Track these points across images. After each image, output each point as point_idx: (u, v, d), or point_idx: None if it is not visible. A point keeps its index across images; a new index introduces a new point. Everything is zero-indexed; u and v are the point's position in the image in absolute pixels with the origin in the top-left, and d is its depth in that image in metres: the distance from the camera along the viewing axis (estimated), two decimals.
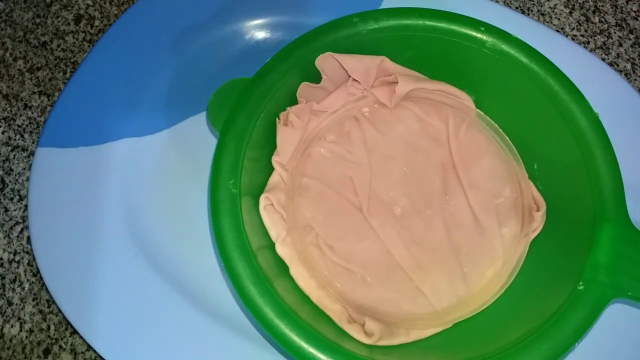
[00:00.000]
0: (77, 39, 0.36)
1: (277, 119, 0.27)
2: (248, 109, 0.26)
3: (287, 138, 0.27)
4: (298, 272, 0.25)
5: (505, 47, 0.27)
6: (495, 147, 0.28)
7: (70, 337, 0.29)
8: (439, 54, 0.28)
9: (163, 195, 0.30)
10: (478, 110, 0.29)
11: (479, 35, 0.27)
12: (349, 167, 0.28)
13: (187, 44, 0.33)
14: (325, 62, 0.27)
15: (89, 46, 0.36)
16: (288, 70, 0.26)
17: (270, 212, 0.26)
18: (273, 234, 0.26)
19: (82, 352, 0.29)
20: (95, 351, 0.27)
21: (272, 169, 0.27)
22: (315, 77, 0.28)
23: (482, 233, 0.27)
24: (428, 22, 0.27)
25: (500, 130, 0.28)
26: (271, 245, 0.25)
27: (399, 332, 0.24)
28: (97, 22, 0.37)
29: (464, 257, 0.26)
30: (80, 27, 0.37)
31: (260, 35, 0.34)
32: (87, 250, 0.28)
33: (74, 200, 0.29)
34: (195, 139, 0.31)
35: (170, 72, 0.33)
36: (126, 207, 0.29)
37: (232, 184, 0.24)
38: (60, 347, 0.29)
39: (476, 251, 0.26)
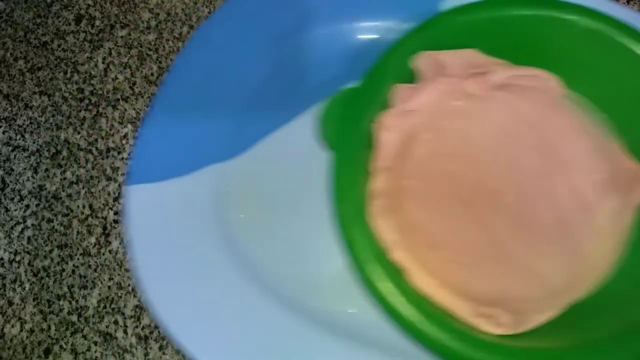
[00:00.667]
0: (77, 39, 0.36)
1: (374, 124, 0.27)
2: (359, 119, 0.26)
3: (385, 142, 0.27)
4: (415, 274, 0.25)
5: (596, 25, 0.27)
6: (589, 126, 0.28)
7: (70, 337, 0.29)
8: (528, 40, 0.28)
9: (260, 217, 0.30)
10: (570, 90, 0.29)
11: (569, 17, 0.27)
12: (448, 163, 0.28)
13: (276, 55, 0.32)
14: (420, 60, 0.28)
15: (89, 46, 0.36)
16: (391, 74, 0.27)
17: (380, 218, 0.26)
18: (385, 239, 0.26)
19: (82, 352, 0.29)
20: None
21: (375, 175, 0.28)
22: (411, 77, 0.28)
23: (586, 209, 0.27)
24: (518, 12, 0.27)
25: (595, 108, 0.28)
26: (385, 252, 0.26)
27: (524, 319, 0.25)
28: (97, 22, 0.37)
29: (572, 236, 0.26)
30: (81, 27, 0.37)
31: (349, 39, 0.33)
32: (196, 281, 0.28)
33: (174, 234, 0.29)
34: (283, 153, 0.31)
35: (253, 85, 0.32)
36: (226, 234, 0.29)
37: (355, 194, 0.25)
38: (61, 347, 0.29)
39: (583, 229, 0.27)
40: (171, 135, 0.30)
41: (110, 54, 0.36)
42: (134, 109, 0.34)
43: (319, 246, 0.28)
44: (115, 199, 0.32)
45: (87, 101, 0.35)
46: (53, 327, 0.29)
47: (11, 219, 0.32)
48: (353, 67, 0.28)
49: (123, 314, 0.29)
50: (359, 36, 0.33)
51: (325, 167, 0.26)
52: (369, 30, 0.33)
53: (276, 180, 0.30)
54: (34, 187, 0.33)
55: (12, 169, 0.33)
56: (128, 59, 0.36)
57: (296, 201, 0.30)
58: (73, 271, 0.30)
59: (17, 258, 0.31)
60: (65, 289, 0.30)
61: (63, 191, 0.32)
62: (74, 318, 0.29)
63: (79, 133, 0.34)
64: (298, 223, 0.29)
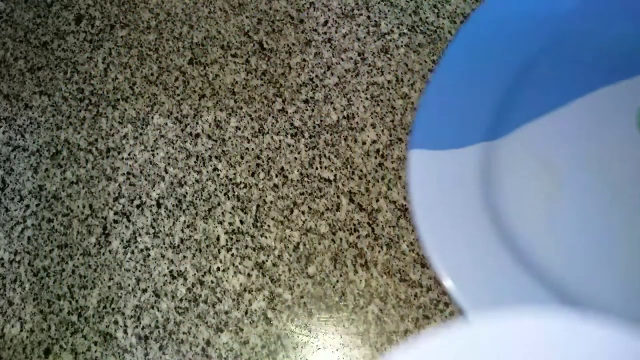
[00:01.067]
0: (77, 39, 0.36)
1: None
2: None
3: None
4: None
5: None
6: None
7: (70, 337, 0.29)
8: None
9: (532, 201, 0.30)
10: None
11: None
12: None
13: (543, 42, 0.33)
14: None
15: (89, 46, 0.36)
16: None
17: None
18: None
19: (82, 352, 0.29)
20: None
21: None
22: None
23: None
24: None
25: None
26: None
27: None
28: (97, 22, 0.37)
29: None
30: (81, 27, 0.37)
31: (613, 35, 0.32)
32: (468, 253, 0.28)
33: (447, 201, 0.30)
34: (554, 139, 0.31)
35: (521, 67, 0.32)
36: (494, 212, 0.29)
37: None
38: (61, 347, 0.29)
39: None
40: (447, 107, 0.32)
41: (110, 54, 0.36)
42: (134, 109, 0.34)
43: (600, 240, 0.28)
44: (115, 199, 0.32)
45: (87, 101, 0.35)
46: (53, 327, 0.29)
47: (11, 219, 0.32)
48: (618, 63, 0.29)
49: (123, 314, 0.29)
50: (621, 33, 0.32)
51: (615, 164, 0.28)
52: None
53: (548, 167, 0.30)
54: (34, 187, 0.33)
55: (12, 169, 0.33)
56: (128, 59, 0.36)
57: (576, 191, 0.29)
58: (73, 271, 0.30)
59: (17, 258, 0.31)
60: (65, 289, 0.30)
61: (63, 191, 0.32)
62: (74, 318, 0.29)
63: (79, 133, 0.34)
64: (576, 213, 0.29)
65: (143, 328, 0.29)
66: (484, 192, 0.30)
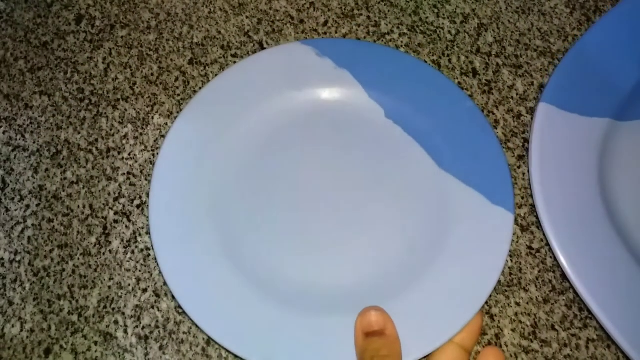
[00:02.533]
0: (78, 39, 0.37)
1: None
2: None
3: None
4: None
5: None
6: None
7: (71, 337, 0.29)
8: None
9: None
10: None
11: None
12: None
13: None
14: None
15: (90, 46, 0.36)
16: None
17: None
18: None
19: (82, 352, 0.29)
20: None
21: None
22: None
23: None
24: None
25: None
26: None
27: None
28: (97, 22, 0.37)
29: None
30: (81, 27, 0.37)
31: None
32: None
33: (563, 161, 0.31)
34: None
35: None
36: (603, 187, 0.31)
37: None
38: (61, 347, 0.29)
39: None
40: (586, 73, 0.33)
41: (110, 54, 0.36)
42: (134, 109, 0.34)
43: None
44: (116, 199, 0.32)
45: (87, 101, 0.35)
46: (53, 327, 0.29)
47: (11, 219, 0.32)
48: None
49: (123, 313, 0.29)
50: None
51: None
52: None
53: None
54: (34, 187, 0.33)
55: (12, 169, 0.33)
56: (128, 59, 0.36)
57: None
58: (73, 271, 0.30)
59: (18, 258, 0.31)
60: (66, 288, 0.30)
61: (63, 191, 0.32)
62: (74, 318, 0.29)
63: (79, 133, 0.34)
64: None
65: (143, 328, 0.29)
66: (598, 163, 0.31)
